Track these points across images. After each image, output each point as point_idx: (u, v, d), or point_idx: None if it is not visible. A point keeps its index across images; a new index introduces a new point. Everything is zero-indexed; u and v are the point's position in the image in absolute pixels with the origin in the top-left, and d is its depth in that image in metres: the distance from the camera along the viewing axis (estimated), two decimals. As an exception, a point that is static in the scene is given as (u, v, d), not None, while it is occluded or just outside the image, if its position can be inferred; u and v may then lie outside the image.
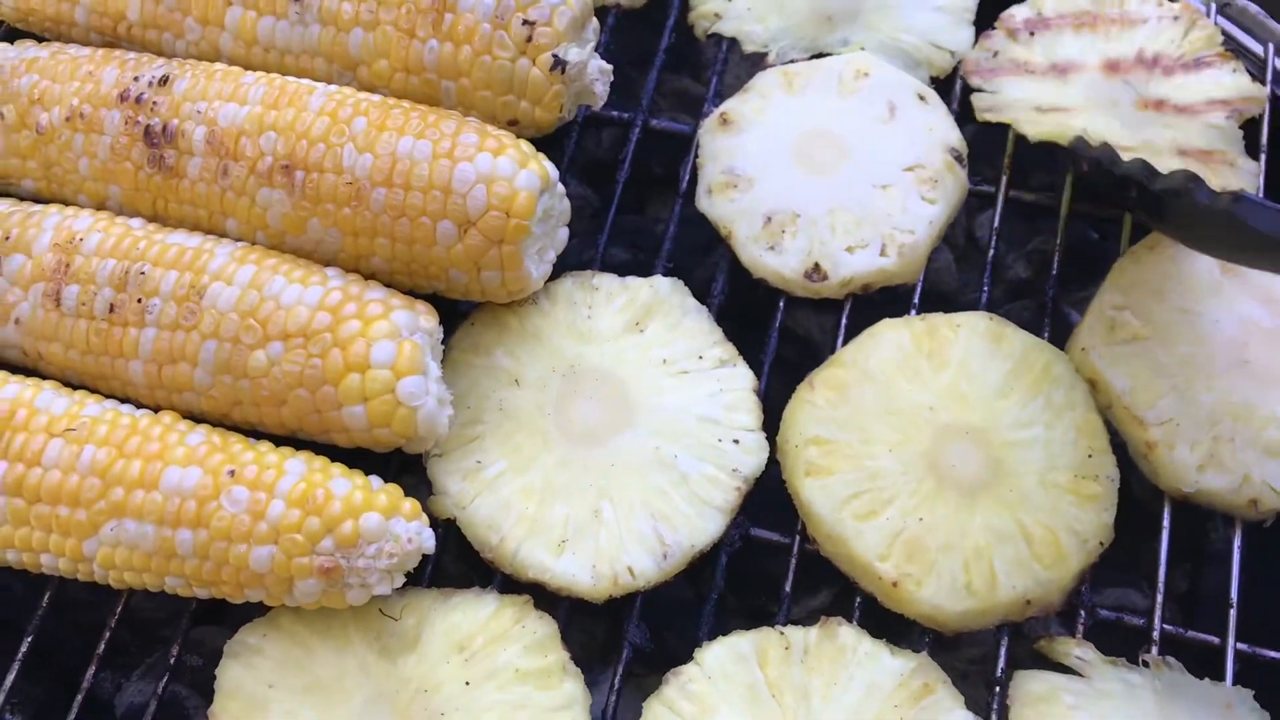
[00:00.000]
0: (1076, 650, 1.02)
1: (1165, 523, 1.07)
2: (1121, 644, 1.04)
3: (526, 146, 1.07)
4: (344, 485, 0.96)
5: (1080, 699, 0.99)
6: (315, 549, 0.94)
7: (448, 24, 1.10)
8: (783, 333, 1.19)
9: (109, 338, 1.02)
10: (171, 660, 1.05)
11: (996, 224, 1.22)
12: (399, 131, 1.04)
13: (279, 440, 1.02)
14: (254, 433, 1.03)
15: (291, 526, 0.94)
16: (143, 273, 1.01)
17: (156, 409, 1.04)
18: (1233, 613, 1.04)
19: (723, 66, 1.30)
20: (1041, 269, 1.32)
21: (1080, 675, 1.01)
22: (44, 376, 1.06)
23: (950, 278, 1.33)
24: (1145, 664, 1.01)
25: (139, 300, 1.01)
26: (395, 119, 1.05)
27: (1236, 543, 1.06)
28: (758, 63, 1.30)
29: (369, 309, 1.00)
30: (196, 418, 1.03)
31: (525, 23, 1.09)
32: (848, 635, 1.01)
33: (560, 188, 1.10)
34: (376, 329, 0.99)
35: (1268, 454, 1.05)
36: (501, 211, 1.02)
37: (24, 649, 1.05)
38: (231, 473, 0.95)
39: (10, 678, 1.04)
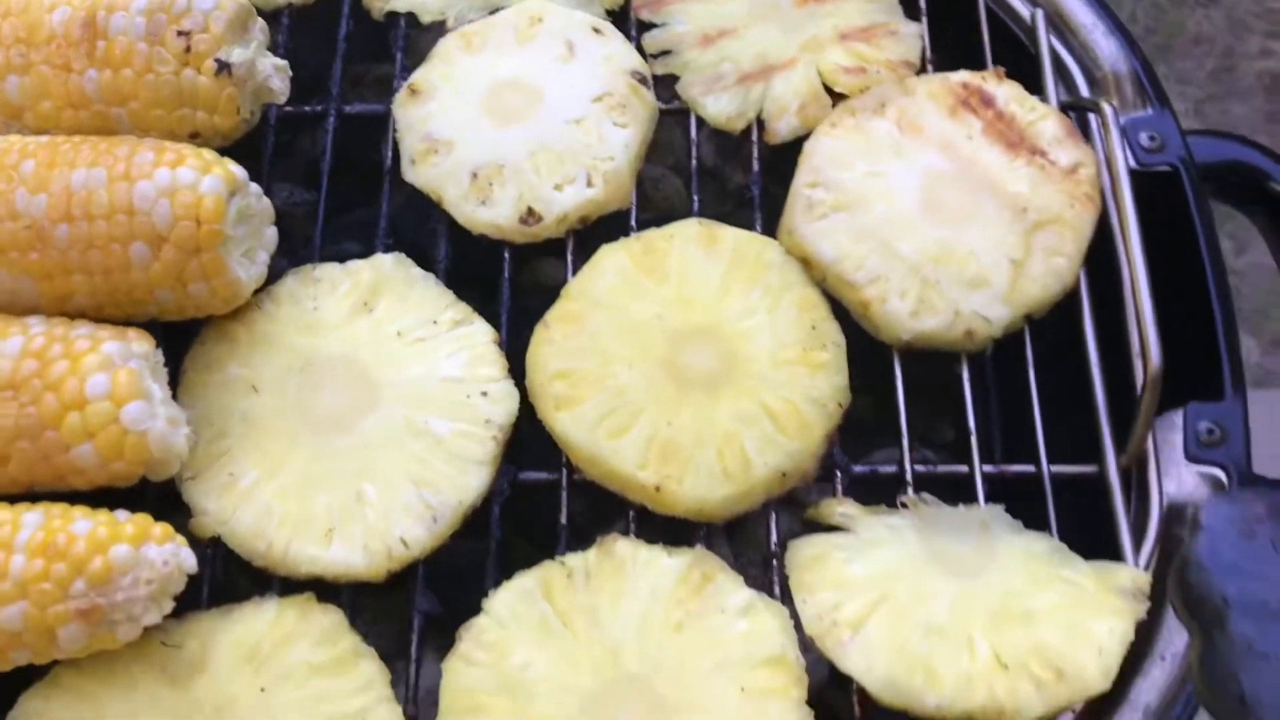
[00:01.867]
0: (840, 509, 1.07)
1: (897, 371, 1.13)
2: (881, 494, 1.10)
3: (208, 154, 1.06)
4: (86, 525, 0.94)
5: (850, 551, 1.04)
6: (69, 594, 0.92)
7: (101, 51, 1.08)
8: (524, 285, 1.21)
9: None
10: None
11: (694, 134, 1.26)
12: (70, 165, 1.02)
13: (15, 499, 0.99)
14: (-12, 499, 1.00)
15: (37, 577, 0.92)
16: None
17: (-122, 499, 1.00)
18: (973, 439, 1.11)
19: (404, 42, 1.31)
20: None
21: (848, 530, 1.06)
22: None
23: (682, 202, 1.38)
24: (904, 505, 1.07)
25: None
26: (65, 154, 1.03)
27: (965, 375, 1.13)
28: (439, 31, 1.31)
29: (75, 346, 0.98)
30: (-79, 498, 1.00)
31: (180, 34, 1.08)
32: (625, 548, 1.04)
33: (254, 187, 1.10)
34: (87, 364, 0.97)
35: (971, 287, 1.12)
36: (190, 220, 1.01)
37: None
38: (-38, 540, 0.92)
39: None
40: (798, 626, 1.01)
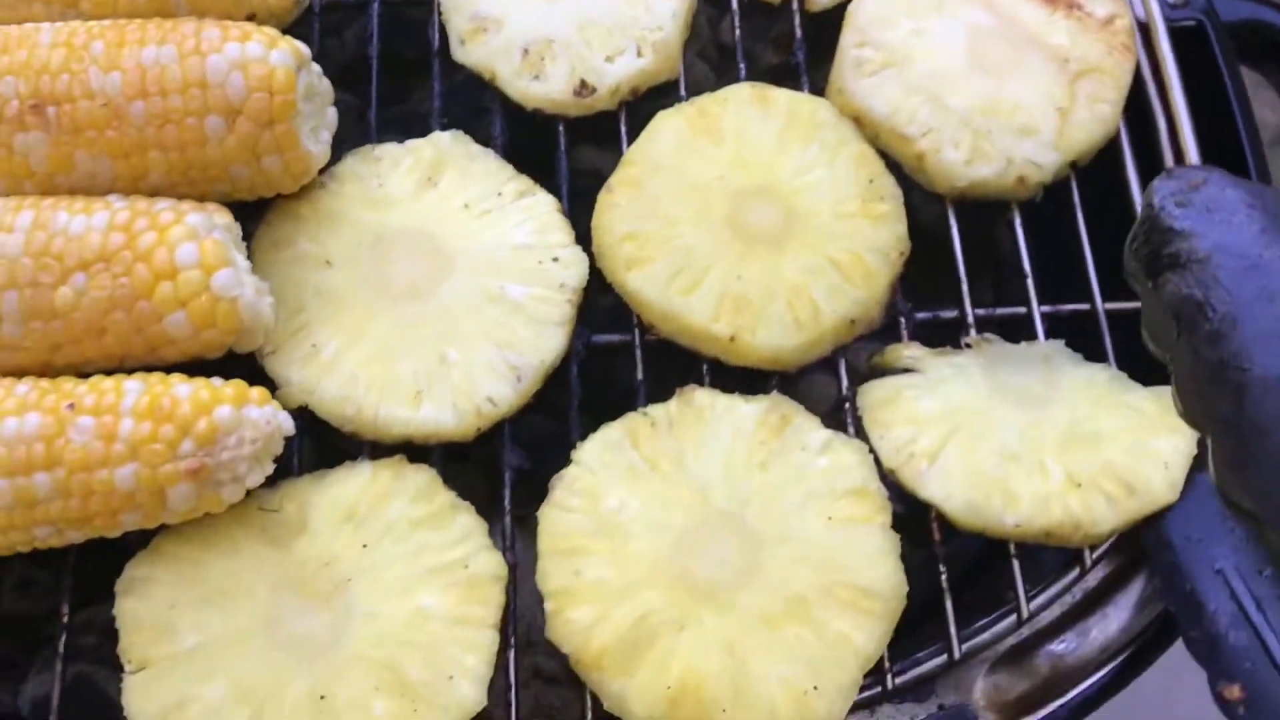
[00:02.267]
0: (907, 352, 1.11)
1: (951, 220, 1.16)
2: (943, 339, 1.14)
3: (271, 30, 1.07)
4: (187, 388, 0.96)
5: (920, 390, 1.08)
6: (177, 454, 0.94)
7: (158, -67, 1.09)
8: (572, 169, 1.23)
9: (-99, 318, 0.99)
10: (62, 638, 1.03)
11: (734, 4, 1.28)
12: (139, 43, 1.03)
13: (108, 374, 1.01)
14: (82, 375, 1.01)
15: (147, 439, 0.94)
16: (-85, 245, 0.98)
17: (-30, 381, 1.01)
18: (1029, 281, 1.15)
19: (443, -74, 1.32)
20: (789, 49, 1.40)
21: (916, 372, 1.10)
22: None
23: (710, 85, 1.40)
24: (968, 345, 1.11)
25: (-79, 272, 0.98)
26: (133, 33, 1.04)
27: (1017, 222, 1.17)
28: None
29: (161, 218, 1.00)
30: (17, 374, 1.01)
31: (235, -87, 1.09)
32: (703, 397, 1.07)
33: (316, 66, 1.11)
34: (174, 234, 0.99)
35: (1022, 135, 1.15)
36: (264, 91, 1.03)
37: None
38: (71, 406, 0.94)
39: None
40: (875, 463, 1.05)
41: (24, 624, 1.19)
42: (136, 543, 1.07)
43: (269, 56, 1.03)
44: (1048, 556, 1.07)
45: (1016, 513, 1.01)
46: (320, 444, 1.12)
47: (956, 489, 1.02)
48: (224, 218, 1.04)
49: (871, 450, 1.05)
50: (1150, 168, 1.19)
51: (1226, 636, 0.92)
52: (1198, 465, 1.02)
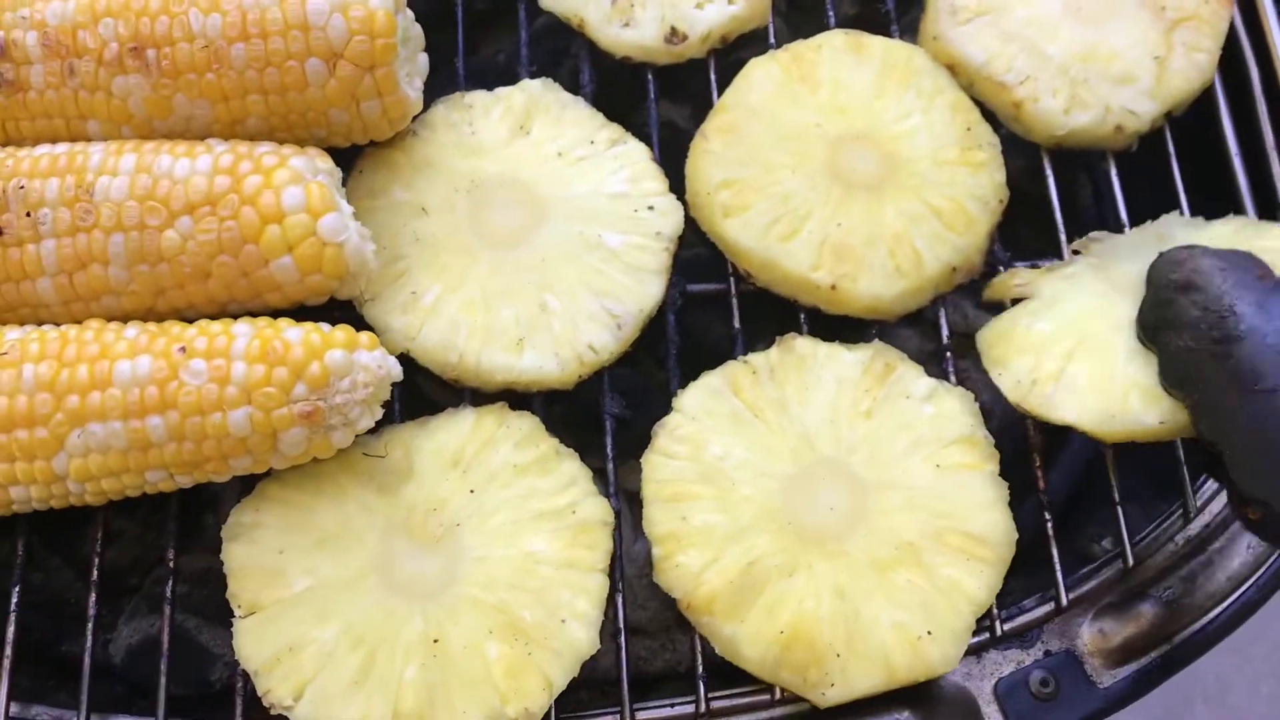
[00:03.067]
0: (1015, 281, 1.09)
1: (1048, 168, 1.15)
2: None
3: (368, -27, 1.06)
4: (298, 333, 0.96)
5: (1035, 315, 1.07)
6: (290, 397, 0.93)
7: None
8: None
9: (7, 262, 0.98)
10: (168, 585, 1.03)
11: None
12: (238, -15, 1.02)
13: (211, 319, 1.00)
14: (184, 319, 1.01)
15: (260, 382, 0.93)
16: (21, 187, 0.97)
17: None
18: (1119, 200, 1.14)
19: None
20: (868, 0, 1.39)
21: (1027, 299, 1.08)
22: (-56, 325, 1.01)
23: (786, 37, 1.38)
24: (1075, 253, 1.10)
25: (27, 214, 0.97)
26: (230, -25, 1.03)
27: (1113, 171, 1.16)
28: None
29: (264, 161, 0.99)
30: (121, 319, 1.00)
31: None
32: (804, 345, 1.06)
33: (409, 11, 1.10)
34: (279, 177, 0.98)
35: (1120, 83, 1.14)
36: (365, 35, 1.01)
37: (9, 641, 1.01)
38: (182, 349, 0.93)
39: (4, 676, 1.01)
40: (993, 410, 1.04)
41: (109, 575, 1.19)
42: (211, 496, 1.07)
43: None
44: (1153, 504, 1.07)
45: (1159, 409, 0.98)
46: (413, 392, 1.12)
47: (1089, 401, 1.00)
48: (326, 162, 1.03)
49: (980, 399, 1.04)
50: (1245, 120, 1.18)
51: None
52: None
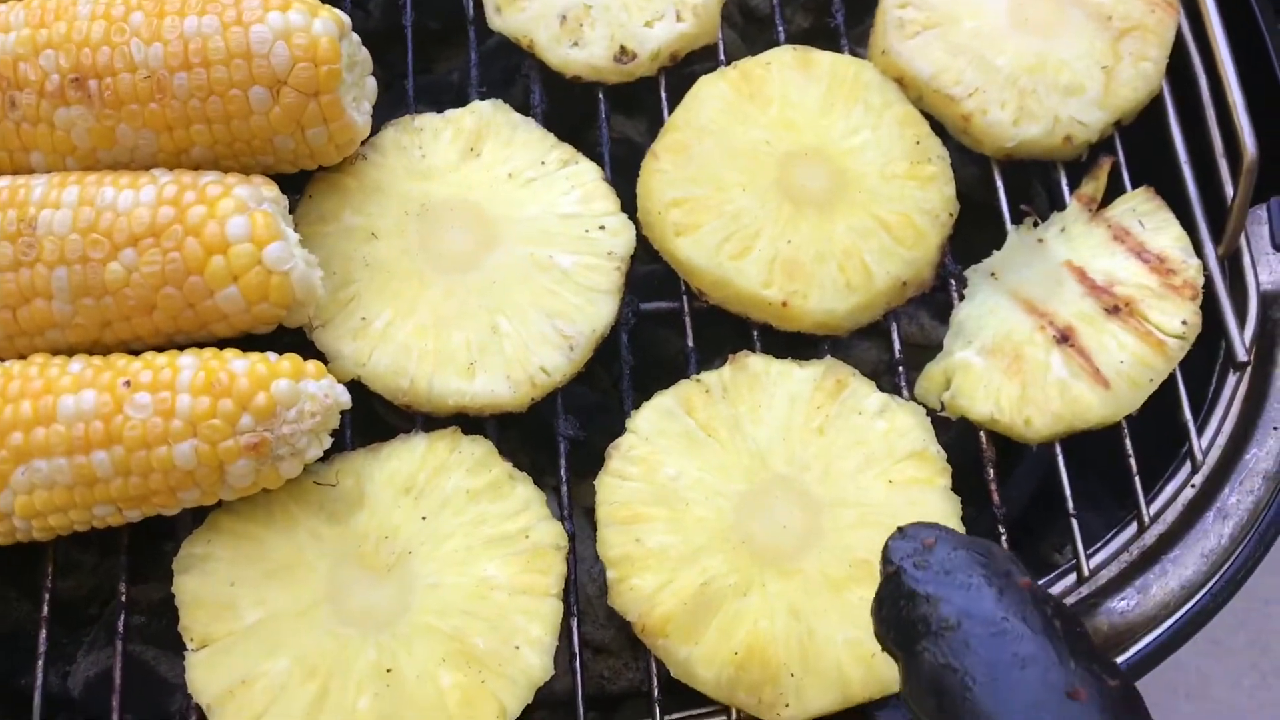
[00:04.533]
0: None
1: (998, 179, 1.16)
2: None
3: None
4: (243, 363, 0.95)
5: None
6: (236, 429, 0.93)
7: (190, -99, 1.07)
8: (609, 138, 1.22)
9: (-52, 298, 0.97)
10: (120, 617, 1.02)
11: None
12: (180, 14, 1.01)
13: (158, 350, 1.00)
14: (132, 351, 1.00)
15: (205, 414, 0.92)
16: (-39, 223, 0.97)
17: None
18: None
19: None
20: (820, 13, 1.39)
21: None
22: (-111, 363, 1.00)
23: (740, 51, 1.39)
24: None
25: (-32, 250, 0.96)
26: (171, 3, 1.02)
27: (1063, 181, 1.17)
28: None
29: (209, 191, 0.98)
30: (67, 353, 0.99)
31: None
32: (757, 363, 1.06)
33: (355, 35, 1.10)
34: (223, 207, 0.97)
35: (1067, 94, 1.15)
36: (309, 61, 1.01)
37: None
38: (127, 383, 0.93)
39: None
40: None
41: (67, 606, 1.18)
42: (169, 524, 1.06)
43: (312, 25, 1.02)
44: (1106, 515, 1.07)
45: None
46: (367, 416, 1.11)
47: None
48: (271, 190, 1.02)
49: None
50: (1194, 127, 1.18)
51: None
52: None
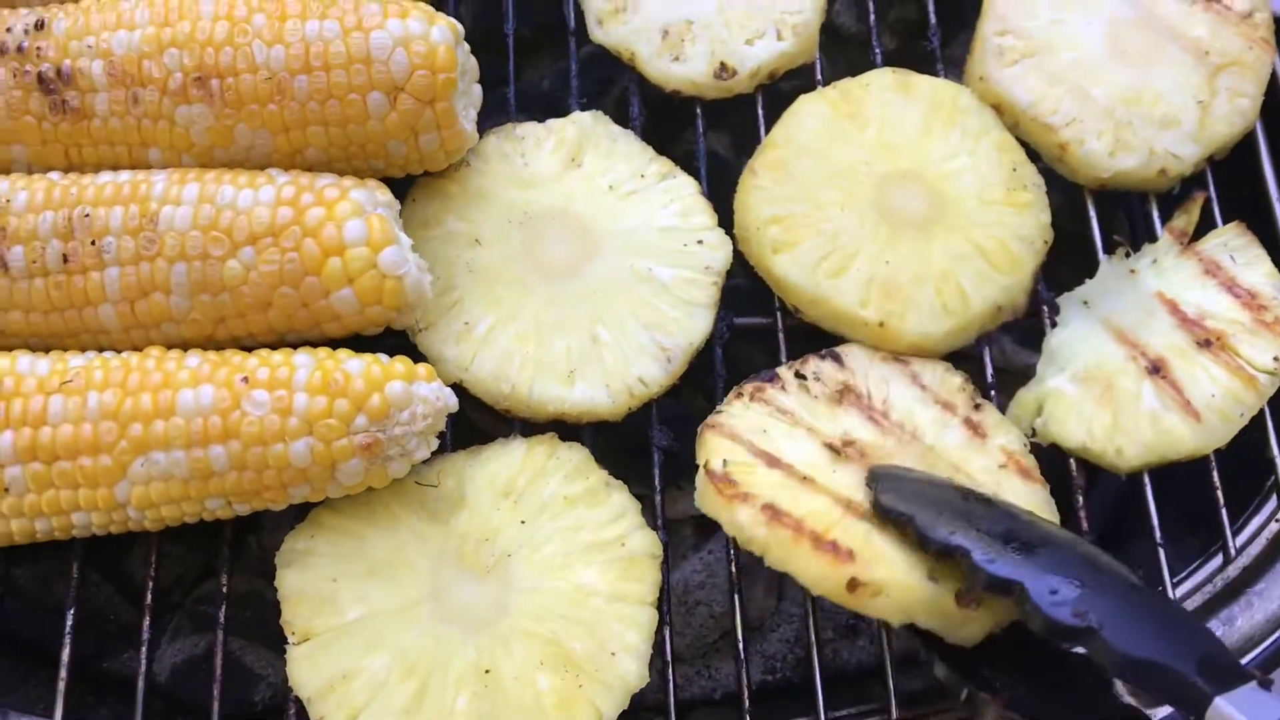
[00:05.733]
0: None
1: (1091, 209, 1.17)
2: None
3: (425, 5, 1.07)
4: (358, 364, 0.97)
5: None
6: (350, 429, 0.95)
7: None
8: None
9: (71, 289, 0.99)
10: (222, 608, 1.04)
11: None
12: (301, 17, 1.03)
13: (270, 348, 1.02)
14: (242, 347, 1.02)
15: (321, 413, 0.94)
16: (86, 215, 0.98)
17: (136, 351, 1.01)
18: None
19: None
20: (909, 35, 1.41)
21: None
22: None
23: (826, 71, 1.40)
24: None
25: (92, 243, 0.98)
26: (293, 7, 1.04)
27: (1155, 213, 1.18)
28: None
29: (326, 194, 1.00)
30: (180, 346, 1.01)
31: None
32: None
33: (465, 44, 1.11)
34: (341, 210, 0.99)
35: (1163, 127, 1.16)
36: (426, 69, 1.03)
37: (65, 663, 1.02)
38: (245, 379, 0.95)
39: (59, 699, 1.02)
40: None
41: (153, 594, 1.20)
42: (255, 518, 1.08)
43: (430, 33, 1.03)
44: (1178, 545, 1.08)
45: None
46: (462, 421, 1.13)
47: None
48: (385, 194, 1.04)
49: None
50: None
51: None
52: None
